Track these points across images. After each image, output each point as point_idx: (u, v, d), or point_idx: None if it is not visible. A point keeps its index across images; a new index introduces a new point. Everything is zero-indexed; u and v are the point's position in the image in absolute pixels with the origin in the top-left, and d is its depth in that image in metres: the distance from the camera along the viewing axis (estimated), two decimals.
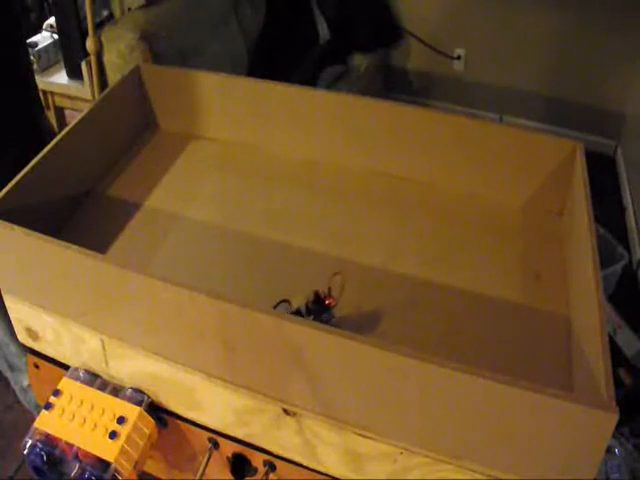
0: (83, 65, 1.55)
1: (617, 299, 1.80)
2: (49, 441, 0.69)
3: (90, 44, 1.49)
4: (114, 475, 0.66)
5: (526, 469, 0.56)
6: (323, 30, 2.23)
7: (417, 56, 2.62)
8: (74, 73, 1.65)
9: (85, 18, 1.48)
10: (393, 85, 2.72)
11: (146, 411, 0.71)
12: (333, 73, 2.21)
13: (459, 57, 2.53)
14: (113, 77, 1.54)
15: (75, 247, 0.64)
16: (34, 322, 0.77)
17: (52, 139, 0.81)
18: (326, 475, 0.69)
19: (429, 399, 0.56)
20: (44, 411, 0.71)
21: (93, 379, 0.75)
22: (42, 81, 1.68)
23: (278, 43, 2.07)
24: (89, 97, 1.62)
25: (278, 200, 0.91)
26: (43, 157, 0.78)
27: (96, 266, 0.64)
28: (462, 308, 0.75)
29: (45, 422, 0.70)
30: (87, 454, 0.68)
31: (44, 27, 1.78)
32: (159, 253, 0.82)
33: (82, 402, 0.72)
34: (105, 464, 0.66)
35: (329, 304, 0.69)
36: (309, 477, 0.70)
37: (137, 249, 0.82)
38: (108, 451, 0.67)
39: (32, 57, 1.66)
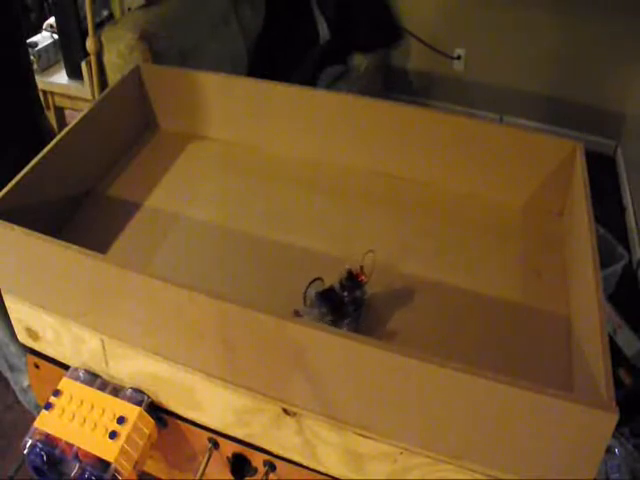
0: (83, 65, 1.55)
1: (617, 299, 1.80)
2: (49, 441, 0.69)
3: (90, 44, 1.49)
4: (114, 475, 0.66)
5: (526, 469, 0.56)
6: (323, 30, 2.23)
7: (417, 56, 2.62)
8: (74, 73, 1.65)
9: (85, 18, 1.48)
10: (393, 85, 2.72)
11: (146, 411, 0.71)
12: (333, 73, 2.21)
13: (459, 57, 2.53)
14: (113, 77, 1.54)
15: (75, 247, 0.64)
16: (34, 322, 0.77)
17: (52, 139, 0.81)
18: (326, 475, 0.69)
19: (429, 399, 0.56)
20: (44, 411, 0.71)
21: (93, 379, 0.75)
22: (42, 81, 1.68)
23: (278, 43, 2.07)
24: (89, 97, 1.62)
25: (278, 200, 0.91)
26: (43, 157, 0.78)
27: (96, 266, 0.64)
28: (462, 308, 0.75)
29: (45, 422, 0.70)
30: (87, 454, 0.68)
31: (44, 27, 1.78)
32: (159, 253, 0.82)
33: (82, 402, 0.72)
34: (105, 464, 0.66)
35: (362, 281, 0.71)
36: (309, 477, 0.70)
37: (137, 249, 0.82)
38: (108, 451, 0.67)
39: (32, 57, 1.66)
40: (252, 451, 0.72)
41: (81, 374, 0.76)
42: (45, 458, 0.69)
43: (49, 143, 0.80)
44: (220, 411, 0.70)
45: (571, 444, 0.53)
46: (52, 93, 1.74)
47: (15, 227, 0.67)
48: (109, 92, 0.93)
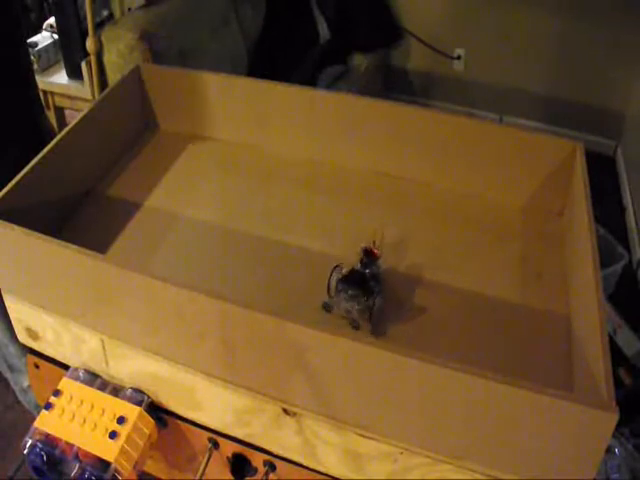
0: (83, 65, 1.55)
1: (617, 299, 1.80)
2: (49, 441, 0.69)
3: (90, 44, 1.50)
4: (114, 475, 0.66)
5: (526, 469, 0.56)
6: (323, 30, 2.23)
7: (417, 56, 2.62)
8: (74, 73, 1.65)
9: (85, 18, 1.48)
10: (393, 85, 2.72)
11: (146, 411, 0.71)
12: (333, 73, 2.21)
13: (459, 57, 2.53)
14: (113, 77, 1.54)
15: (75, 247, 0.64)
16: (34, 322, 0.77)
17: (52, 139, 0.81)
18: (326, 475, 0.69)
19: (429, 399, 0.56)
20: (44, 411, 0.71)
21: (93, 379, 0.75)
22: (42, 81, 1.68)
23: (278, 43, 2.07)
24: (89, 97, 1.62)
25: (278, 200, 0.91)
26: (43, 157, 0.78)
27: (96, 266, 0.64)
28: (462, 308, 0.75)
29: (45, 422, 0.70)
30: (87, 454, 0.68)
31: (44, 27, 1.78)
32: (159, 253, 0.82)
33: (82, 402, 0.72)
34: (105, 464, 0.66)
35: (376, 255, 0.73)
36: (309, 477, 0.70)
37: (137, 249, 0.82)
38: (108, 451, 0.67)
39: (32, 57, 1.66)
40: (252, 451, 0.72)
41: (81, 374, 0.76)
42: (45, 458, 0.69)
43: (49, 143, 0.80)
44: (220, 411, 0.70)
45: (571, 444, 0.53)
46: (52, 93, 1.74)
47: (15, 227, 0.67)
48: (109, 92, 0.93)
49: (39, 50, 1.70)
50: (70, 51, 1.62)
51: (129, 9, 1.59)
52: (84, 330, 0.72)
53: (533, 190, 0.87)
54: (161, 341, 0.67)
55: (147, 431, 0.71)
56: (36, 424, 0.70)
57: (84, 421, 0.70)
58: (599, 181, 1.06)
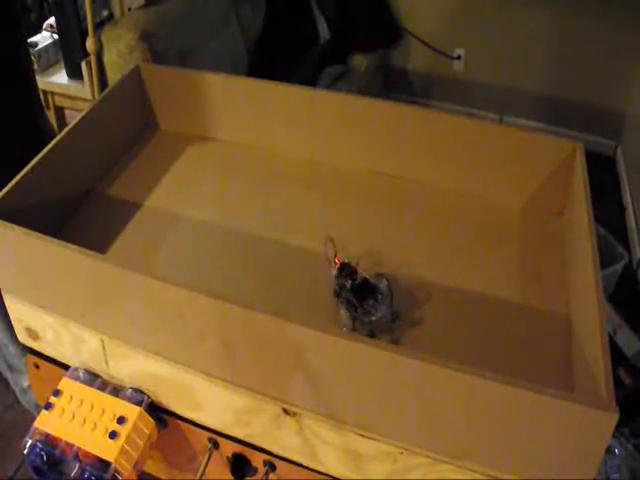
0: (83, 65, 1.55)
1: (617, 299, 1.80)
2: (49, 441, 0.69)
3: (90, 44, 1.50)
4: (114, 475, 0.66)
5: (526, 469, 0.56)
6: (323, 30, 2.23)
7: (417, 56, 2.62)
8: (74, 73, 1.65)
9: (85, 18, 1.48)
10: (393, 85, 2.72)
11: (146, 411, 0.71)
12: (333, 73, 2.21)
13: (459, 57, 2.53)
14: (113, 77, 1.54)
15: (75, 247, 0.64)
16: (34, 322, 0.77)
17: (52, 139, 0.81)
18: (326, 475, 0.69)
19: (429, 399, 0.56)
20: (44, 411, 0.71)
21: (93, 379, 0.75)
22: (42, 81, 1.69)
23: (278, 43, 2.07)
24: (89, 97, 1.62)
25: (278, 200, 0.91)
26: (43, 157, 0.78)
27: (96, 266, 0.64)
28: (461, 308, 0.75)
29: (45, 422, 0.70)
30: (87, 454, 0.68)
31: (44, 27, 1.78)
32: (159, 253, 0.82)
33: (82, 402, 0.72)
34: (105, 464, 0.66)
35: (349, 264, 0.74)
36: (309, 477, 0.70)
37: (137, 249, 0.82)
38: (108, 451, 0.67)
39: (32, 57, 1.66)
40: (252, 451, 0.72)
41: (81, 374, 0.76)
42: (45, 458, 0.69)
43: (49, 143, 0.80)
44: (220, 411, 0.70)
45: (571, 444, 0.53)
46: (52, 93, 1.74)
47: (15, 227, 0.67)
48: (109, 92, 0.93)
49: (39, 50, 1.70)
50: (70, 51, 1.62)
51: (129, 9, 1.59)
52: (84, 330, 0.72)
53: (533, 190, 0.87)
54: (161, 341, 0.67)
55: (147, 431, 0.71)
56: (36, 424, 0.70)
57: (84, 421, 0.70)
58: (599, 181, 1.06)
